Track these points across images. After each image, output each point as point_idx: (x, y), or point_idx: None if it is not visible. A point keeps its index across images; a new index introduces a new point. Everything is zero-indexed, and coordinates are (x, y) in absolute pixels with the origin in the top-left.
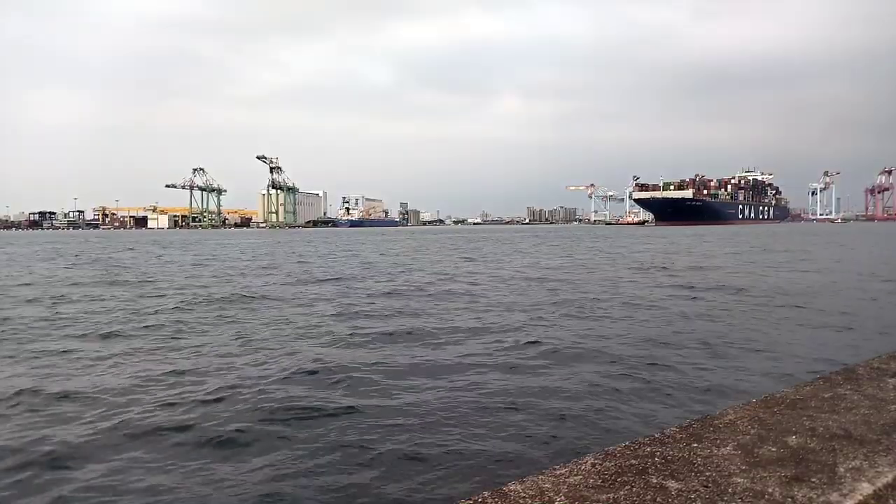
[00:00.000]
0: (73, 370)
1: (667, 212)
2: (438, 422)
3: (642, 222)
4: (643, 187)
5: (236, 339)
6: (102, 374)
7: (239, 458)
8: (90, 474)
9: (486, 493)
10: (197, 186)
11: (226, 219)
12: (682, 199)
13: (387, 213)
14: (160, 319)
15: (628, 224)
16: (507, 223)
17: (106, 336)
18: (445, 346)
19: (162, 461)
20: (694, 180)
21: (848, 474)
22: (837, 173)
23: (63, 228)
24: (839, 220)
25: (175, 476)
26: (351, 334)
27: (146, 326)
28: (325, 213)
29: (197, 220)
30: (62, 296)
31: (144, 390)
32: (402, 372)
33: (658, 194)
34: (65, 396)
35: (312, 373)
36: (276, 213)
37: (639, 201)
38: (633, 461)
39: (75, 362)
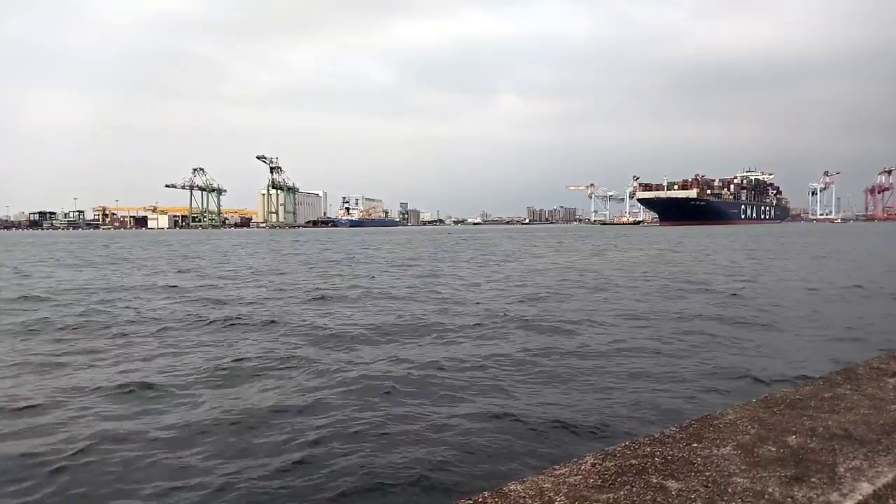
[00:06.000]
0: None
1: (671, 211)
2: None
3: (638, 222)
4: (647, 187)
5: None
6: None
7: None
8: None
9: (486, 493)
10: (197, 186)
11: (226, 219)
12: (687, 198)
13: (387, 213)
14: None
15: (623, 224)
16: (507, 223)
17: None
18: None
19: None
20: (697, 180)
21: (848, 474)
22: (837, 173)
23: (63, 228)
24: (839, 220)
25: None
26: None
27: None
28: (325, 213)
29: (197, 220)
30: None
31: None
32: None
33: (662, 194)
34: None
35: None
36: (276, 213)
37: (642, 201)
38: (633, 461)
39: None
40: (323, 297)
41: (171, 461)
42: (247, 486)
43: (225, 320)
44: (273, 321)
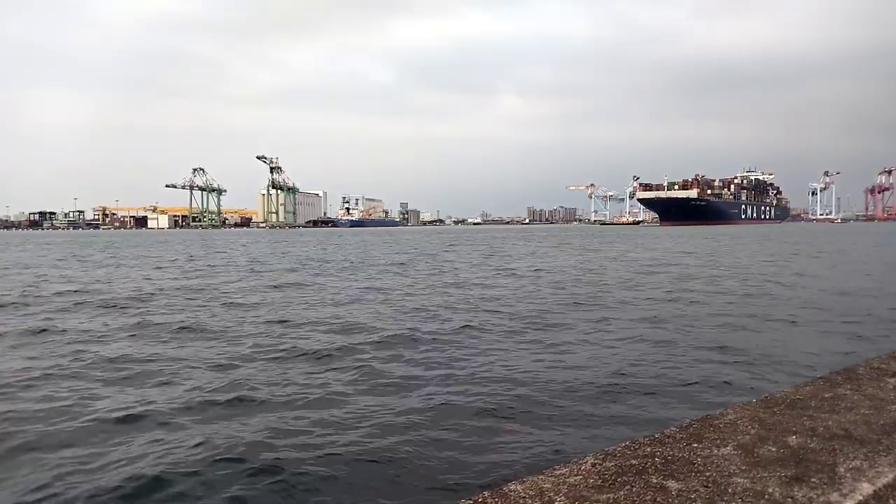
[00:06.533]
0: None
1: (671, 211)
2: None
3: (638, 222)
4: (647, 187)
5: None
6: None
7: None
8: None
9: (485, 493)
10: (197, 186)
11: (226, 219)
12: (688, 198)
13: (387, 213)
14: None
15: (623, 224)
16: (507, 223)
17: None
18: None
19: None
20: (697, 180)
21: (848, 474)
22: (837, 173)
23: (63, 228)
24: (839, 220)
25: None
26: None
27: None
28: (325, 213)
29: (197, 220)
30: None
31: None
32: None
33: (662, 194)
34: None
35: None
36: (276, 213)
37: (643, 201)
38: (633, 461)
39: None
40: (332, 298)
41: (178, 439)
42: (245, 481)
43: (243, 318)
44: (285, 319)
